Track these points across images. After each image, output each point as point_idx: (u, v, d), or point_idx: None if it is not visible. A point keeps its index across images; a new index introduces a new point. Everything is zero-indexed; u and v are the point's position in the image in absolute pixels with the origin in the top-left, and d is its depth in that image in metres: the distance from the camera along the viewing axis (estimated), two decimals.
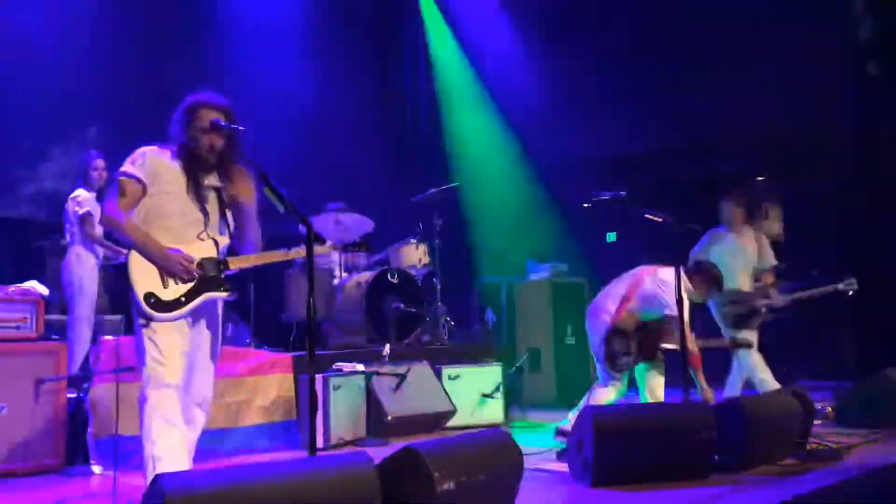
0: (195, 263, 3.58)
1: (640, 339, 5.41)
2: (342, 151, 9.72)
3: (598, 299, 5.70)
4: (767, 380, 6.07)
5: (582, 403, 5.58)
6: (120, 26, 8.17)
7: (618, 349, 5.38)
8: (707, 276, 5.55)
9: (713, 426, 4.19)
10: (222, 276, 3.66)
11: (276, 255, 3.81)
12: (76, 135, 7.80)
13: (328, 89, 9.58)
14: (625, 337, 5.40)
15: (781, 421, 4.56)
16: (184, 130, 3.66)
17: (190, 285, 3.56)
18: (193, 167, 3.66)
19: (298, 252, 3.77)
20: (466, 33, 11.08)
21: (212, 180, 3.73)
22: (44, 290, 5.22)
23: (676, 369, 4.88)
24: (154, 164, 3.61)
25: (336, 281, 7.57)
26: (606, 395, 5.47)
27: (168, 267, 3.51)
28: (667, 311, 5.28)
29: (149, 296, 3.48)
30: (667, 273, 5.27)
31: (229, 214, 3.77)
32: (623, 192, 5.86)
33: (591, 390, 5.62)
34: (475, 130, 10.58)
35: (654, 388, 5.47)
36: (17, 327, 4.91)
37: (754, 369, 6.13)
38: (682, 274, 5.24)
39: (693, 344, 5.14)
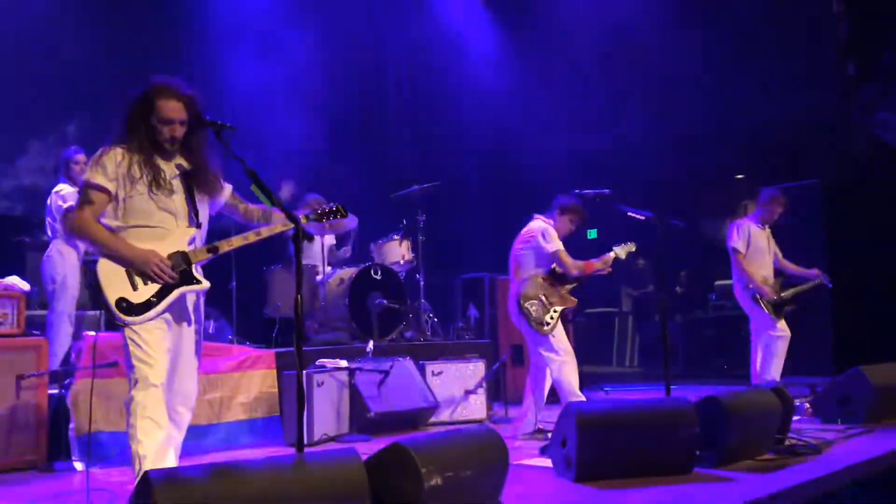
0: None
1: (546, 293, 5.68)
2: (323, 147, 9.71)
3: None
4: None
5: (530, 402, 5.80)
6: (100, 20, 8.10)
7: (536, 311, 5.61)
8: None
9: (695, 422, 4.23)
10: (192, 269, 3.59)
11: (250, 236, 3.72)
12: (55, 130, 7.75)
13: (307, 83, 9.55)
14: (535, 299, 5.64)
15: (762, 417, 4.62)
16: (140, 121, 3.56)
17: (160, 284, 3.50)
18: (156, 159, 3.58)
19: (276, 227, 3.73)
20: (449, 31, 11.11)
21: (179, 164, 3.66)
22: (25, 286, 5.18)
23: (655, 367, 4.94)
24: (116, 167, 3.52)
25: (319, 277, 7.56)
26: (568, 372, 5.59)
27: (144, 270, 3.44)
28: (546, 247, 5.70)
29: (120, 301, 3.42)
30: (530, 226, 5.83)
31: (200, 200, 3.70)
32: (606, 190, 5.92)
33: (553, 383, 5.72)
34: (455, 126, 10.60)
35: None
36: None
37: None
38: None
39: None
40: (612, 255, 5.81)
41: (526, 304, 5.62)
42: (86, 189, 3.54)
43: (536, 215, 5.93)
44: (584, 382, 8.53)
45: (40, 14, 7.82)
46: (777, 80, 9.44)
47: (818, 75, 9.22)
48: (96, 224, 3.52)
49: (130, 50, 8.02)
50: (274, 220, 3.83)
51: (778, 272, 7.02)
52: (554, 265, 5.77)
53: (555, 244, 5.71)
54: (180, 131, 3.60)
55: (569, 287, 5.79)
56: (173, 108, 3.56)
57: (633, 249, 5.87)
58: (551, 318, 5.62)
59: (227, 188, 3.87)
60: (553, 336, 5.61)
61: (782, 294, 6.81)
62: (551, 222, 5.83)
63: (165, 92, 3.56)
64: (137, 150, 3.56)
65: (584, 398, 5.63)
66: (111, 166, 3.52)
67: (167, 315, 3.54)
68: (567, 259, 5.71)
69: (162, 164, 3.61)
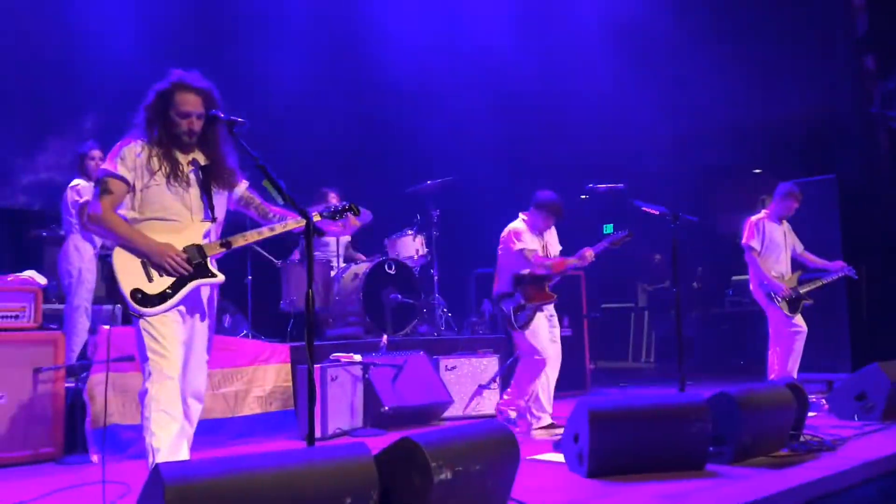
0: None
1: (523, 290, 5.74)
2: (334, 142, 9.72)
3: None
4: None
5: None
6: (117, 15, 8.15)
7: (508, 309, 5.74)
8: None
9: (708, 418, 4.21)
10: (207, 262, 3.62)
11: (264, 232, 3.75)
12: (72, 125, 7.80)
13: (319, 78, 9.55)
14: (508, 296, 5.78)
15: (775, 413, 4.59)
16: (159, 114, 3.60)
17: (174, 277, 3.53)
18: (174, 152, 3.62)
19: (289, 224, 3.74)
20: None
21: (197, 158, 3.70)
22: (42, 280, 5.24)
23: (671, 363, 4.92)
24: (135, 158, 3.57)
25: (334, 272, 7.58)
26: (530, 370, 5.73)
27: (160, 262, 3.48)
28: (513, 246, 5.78)
29: (135, 292, 3.45)
30: (508, 226, 5.89)
31: (216, 194, 3.73)
32: (621, 185, 5.89)
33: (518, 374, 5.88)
34: (469, 120, 10.57)
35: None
36: (16, 317, 4.93)
37: None
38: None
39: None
40: (590, 251, 5.74)
41: (500, 304, 5.80)
42: (105, 179, 3.57)
43: (520, 213, 6.00)
44: (600, 378, 8.58)
45: (58, 10, 7.88)
46: (794, 75, 9.36)
47: (836, 69, 9.13)
48: (114, 214, 3.55)
49: (151, 45, 8.06)
50: (289, 218, 3.83)
51: (798, 266, 6.97)
52: None
53: (520, 243, 5.77)
54: (198, 124, 3.63)
55: (546, 284, 5.82)
56: (190, 102, 3.59)
57: (626, 237, 5.80)
58: (526, 316, 5.70)
59: (243, 183, 3.88)
60: (526, 333, 5.70)
61: (799, 289, 6.76)
62: (526, 219, 5.91)
63: (183, 85, 3.60)
64: (156, 144, 3.60)
65: (522, 401, 5.77)
66: (130, 157, 3.57)
67: (181, 307, 3.57)
68: (531, 258, 5.75)
69: (180, 157, 3.65)
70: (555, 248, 6.00)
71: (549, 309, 5.88)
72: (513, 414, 5.89)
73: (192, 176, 3.66)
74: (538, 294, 5.74)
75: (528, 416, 5.83)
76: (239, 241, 3.73)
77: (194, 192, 3.66)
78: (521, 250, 5.75)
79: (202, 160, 3.71)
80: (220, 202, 3.78)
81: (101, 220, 3.55)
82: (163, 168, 3.58)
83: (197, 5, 8.70)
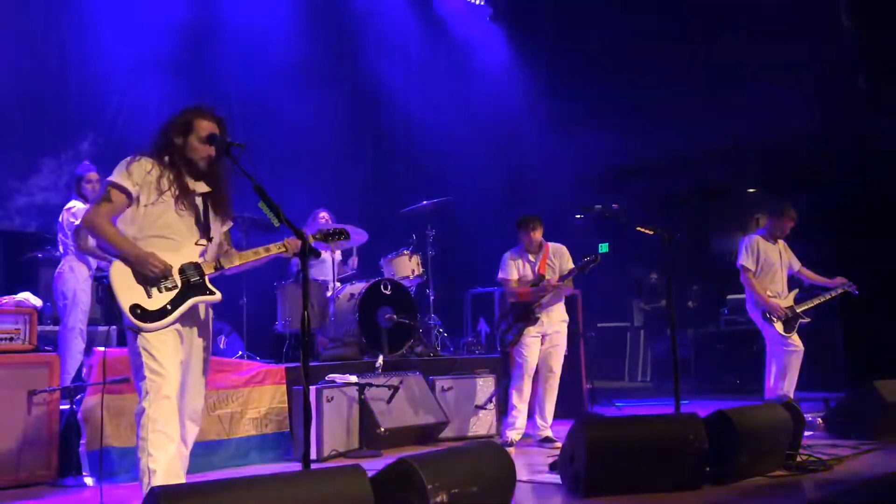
0: (177, 269, 3.58)
1: (513, 312, 6.24)
2: (332, 162, 9.74)
3: None
4: None
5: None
6: (116, 38, 8.18)
7: (502, 328, 6.31)
8: None
9: (704, 438, 4.21)
10: (205, 279, 3.65)
11: (260, 252, 3.81)
12: (68, 146, 7.80)
13: (318, 100, 9.58)
14: (504, 317, 6.34)
15: (772, 433, 4.59)
16: (179, 138, 3.68)
17: (175, 292, 3.56)
18: (185, 176, 3.68)
19: (283, 245, 3.80)
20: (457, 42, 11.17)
21: (200, 186, 3.76)
22: (37, 302, 5.23)
23: (667, 382, 4.92)
24: (145, 173, 3.62)
25: (329, 292, 7.57)
26: (516, 387, 6.15)
27: (143, 270, 3.50)
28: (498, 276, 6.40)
29: (134, 307, 3.46)
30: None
31: (213, 220, 3.79)
32: (615, 205, 5.93)
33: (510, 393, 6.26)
34: (465, 141, 10.61)
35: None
36: (10, 339, 4.92)
37: None
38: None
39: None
40: (554, 280, 6.12)
41: (498, 323, 6.34)
42: (108, 188, 3.63)
43: None
44: (597, 398, 8.56)
45: (53, 31, 7.91)
46: (789, 93, 9.42)
47: (830, 88, 9.19)
48: (107, 221, 3.59)
49: (144, 69, 8.08)
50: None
51: (795, 283, 6.98)
52: None
53: (500, 273, 6.33)
54: (213, 151, 3.71)
55: (533, 307, 6.13)
56: (210, 128, 3.69)
57: (592, 262, 6.03)
58: (513, 335, 6.15)
59: (228, 223, 3.95)
60: (515, 351, 6.16)
61: (796, 308, 6.76)
62: (521, 243, 6.30)
63: (202, 112, 3.72)
64: (169, 165, 3.67)
65: (514, 416, 6.09)
66: (138, 173, 3.62)
67: (179, 326, 3.59)
68: (505, 286, 6.34)
69: (189, 182, 3.72)
70: (564, 265, 6.25)
71: (542, 329, 6.14)
72: (513, 436, 6.01)
73: (196, 200, 3.73)
74: (523, 316, 6.14)
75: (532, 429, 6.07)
76: (235, 260, 3.77)
77: (196, 215, 3.72)
78: (500, 279, 6.35)
79: (204, 187, 3.79)
80: (217, 227, 3.84)
81: (93, 224, 3.60)
82: (172, 190, 3.64)
83: (190, 27, 8.71)
